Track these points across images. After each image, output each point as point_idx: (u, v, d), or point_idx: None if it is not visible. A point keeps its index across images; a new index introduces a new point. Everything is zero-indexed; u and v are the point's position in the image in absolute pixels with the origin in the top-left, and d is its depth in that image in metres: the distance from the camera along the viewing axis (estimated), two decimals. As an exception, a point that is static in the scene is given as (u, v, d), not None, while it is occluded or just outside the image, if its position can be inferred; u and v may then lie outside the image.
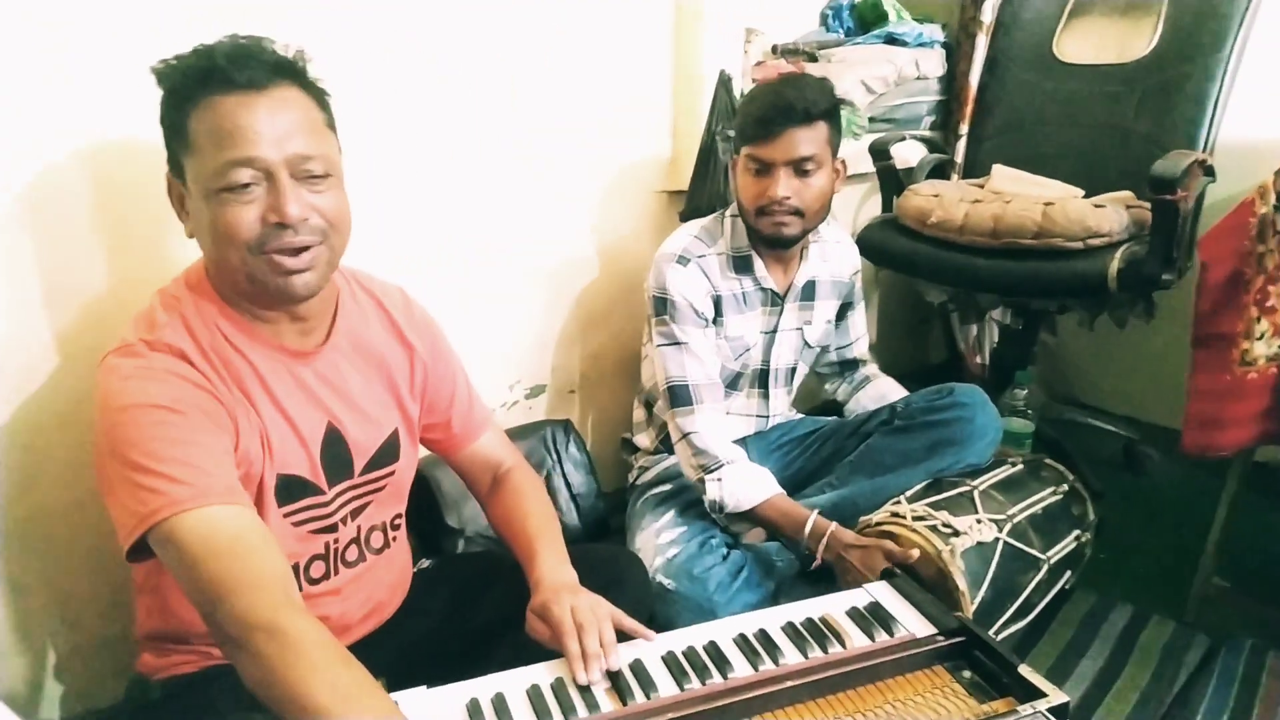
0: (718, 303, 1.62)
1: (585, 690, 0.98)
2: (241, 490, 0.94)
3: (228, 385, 0.98)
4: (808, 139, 1.49)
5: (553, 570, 1.11)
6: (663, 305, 1.59)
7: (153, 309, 1.01)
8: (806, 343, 1.74)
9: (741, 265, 1.63)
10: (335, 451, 1.08)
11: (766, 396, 1.75)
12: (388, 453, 1.14)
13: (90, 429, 1.17)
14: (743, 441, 1.71)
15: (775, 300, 1.67)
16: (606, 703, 0.96)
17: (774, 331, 1.69)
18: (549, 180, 1.79)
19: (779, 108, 1.48)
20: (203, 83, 0.92)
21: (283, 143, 0.93)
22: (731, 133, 1.85)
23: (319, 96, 1.00)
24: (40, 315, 1.20)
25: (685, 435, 1.57)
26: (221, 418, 0.96)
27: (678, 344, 1.58)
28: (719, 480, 1.53)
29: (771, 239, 1.58)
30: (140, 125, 1.09)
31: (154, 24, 1.19)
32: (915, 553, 1.36)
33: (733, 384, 1.70)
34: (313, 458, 1.05)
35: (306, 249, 0.96)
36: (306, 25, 1.33)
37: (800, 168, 1.50)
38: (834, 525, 1.45)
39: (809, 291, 1.71)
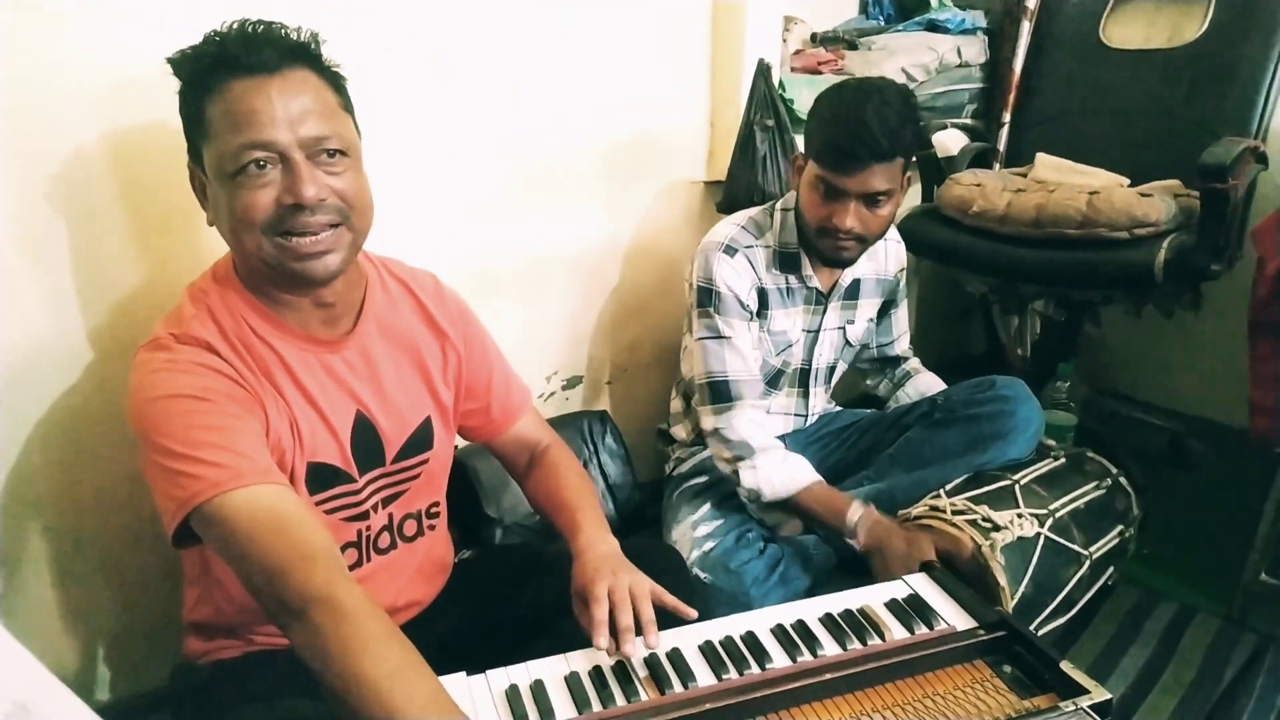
0: (763, 296, 1.59)
1: (624, 679, 0.98)
2: (278, 471, 0.95)
3: (255, 375, 0.99)
4: (885, 175, 1.42)
5: (594, 542, 1.11)
6: (707, 296, 1.56)
7: (181, 304, 1.03)
8: (848, 341, 1.72)
9: (787, 262, 1.60)
10: (365, 440, 1.09)
11: (806, 395, 1.73)
12: (420, 441, 1.15)
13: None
14: (781, 439, 1.70)
15: (819, 299, 1.64)
16: (645, 692, 0.97)
17: (817, 331, 1.67)
18: (586, 171, 1.79)
19: (862, 142, 1.38)
20: (216, 69, 0.93)
21: (296, 124, 0.93)
22: (770, 122, 1.84)
23: (333, 79, 1.00)
24: (79, 311, 1.22)
25: (717, 430, 1.56)
26: (250, 404, 0.97)
27: (720, 337, 1.56)
28: (754, 468, 1.52)
29: (829, 260, 1.55)
30: (170, 121, 1.10)
31: (188, 17, 1.19)
32: (967, 541, 1.35)
33: (773, 382, 1.68)
34: (343, 446, 1.06)
35: (325, 230, 0.96)
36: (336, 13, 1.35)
37: (872, 201, 1.45)
38: (876, 513, 1.44)
39: (853, 290, 1.68)
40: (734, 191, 1.89)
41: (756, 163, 1.85)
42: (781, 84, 1.94)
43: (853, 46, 2.29)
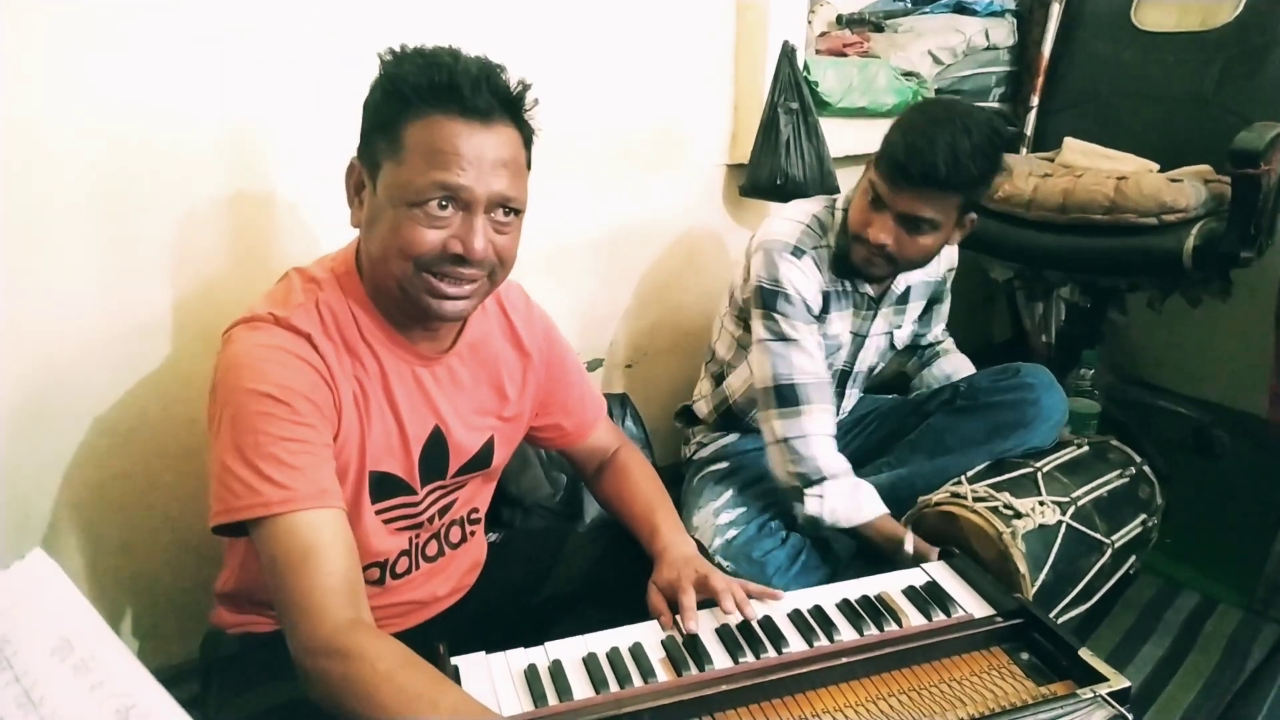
0: (825, 299, 1.54)
1: (641, 660, 0.99)
2: (333, 489, 0.94)
3: (345, 371, 0.98)
4: (933, 204, 1.36)
5: (674, 544, 1.14)
6: (773, 298, 1.49)
7: (289, 286, 1.00)
8: (893, 345, 1.69)
9: (842, 264, 1.53)
10: (435, 454, 1.08)
11: (841, 396, 1.70)
12: (481, 458, 1.15)
13: (180, 402, 1.21)
14: None
15: (870, 304, 1.59)
16: (661, 673, 0.98)
17: (864, 336, 1.62)
18: (608, 154, 1.79)
19: (919, 163, 1.32)
20: (437, 97, 0.90)
21: (490, 179, 0.92)
22: (794, 105, 1.83)
23: (528, 137, 0.99)
24: (161, 292, 1.25)
25: (786, 440, 1.49)
26: (328, 408, 0.96)
27: (787, 340, 1.50)
28: (820, 496, 1.47)
29: (856, 269, 1.50)
30: (271, 119, 1.11)
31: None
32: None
33: None
34: (410, 458, 1.06)
35: (469, 283, 0.96)
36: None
37: (912, 226, 1.39)
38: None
39: (904, 296, 1.64)
40: (757, 175, 1.89)
41: (780, 146, 1.84)
42: (806, 66, 1.92)
43: (879, 28, 2.27)
